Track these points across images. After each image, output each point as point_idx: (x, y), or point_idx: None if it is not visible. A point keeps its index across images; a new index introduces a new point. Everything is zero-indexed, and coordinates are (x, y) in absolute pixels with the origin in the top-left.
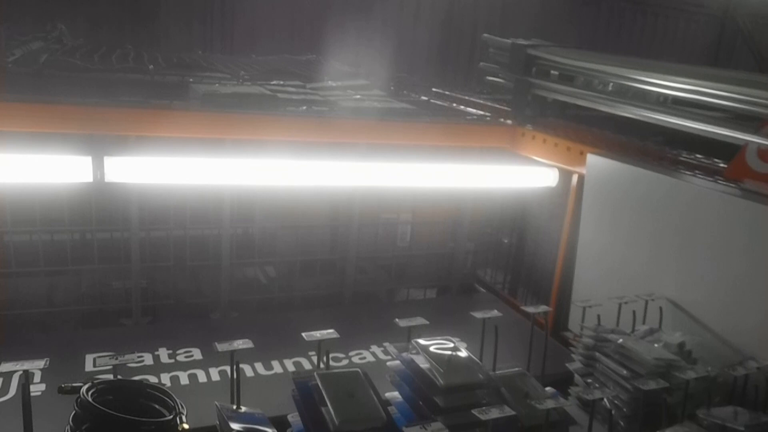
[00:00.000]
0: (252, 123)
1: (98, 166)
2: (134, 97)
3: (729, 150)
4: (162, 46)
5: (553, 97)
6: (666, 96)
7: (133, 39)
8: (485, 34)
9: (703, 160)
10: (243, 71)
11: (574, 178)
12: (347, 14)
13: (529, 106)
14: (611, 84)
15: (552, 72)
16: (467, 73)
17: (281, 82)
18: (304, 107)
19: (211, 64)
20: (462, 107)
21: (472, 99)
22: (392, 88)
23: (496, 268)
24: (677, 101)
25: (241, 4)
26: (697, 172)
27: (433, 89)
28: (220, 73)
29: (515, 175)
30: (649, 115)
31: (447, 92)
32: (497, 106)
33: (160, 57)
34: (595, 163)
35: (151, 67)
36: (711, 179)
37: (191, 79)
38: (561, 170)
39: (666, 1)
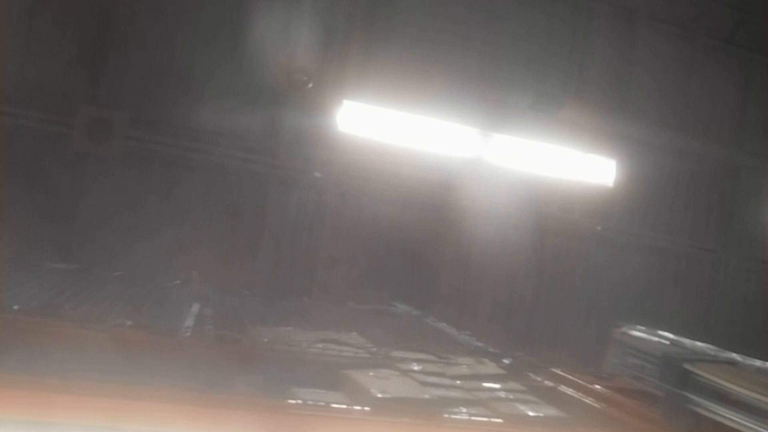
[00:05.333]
0: None
1: None
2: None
3: None
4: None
5: (715, 419)
6: None
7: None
8: (622, 329)
9: None
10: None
11: None
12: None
13: (682, 418)
14: None
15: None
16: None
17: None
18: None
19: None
20: (600, 406)
21: (608, 394)
22: (506, 363)
23: None
24: None
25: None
26: None
27: (552, 369)
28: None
29: None
30: None
31: (570, 376)
32: (646, 411)
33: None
34: None
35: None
36: None
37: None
38: None
39: None
